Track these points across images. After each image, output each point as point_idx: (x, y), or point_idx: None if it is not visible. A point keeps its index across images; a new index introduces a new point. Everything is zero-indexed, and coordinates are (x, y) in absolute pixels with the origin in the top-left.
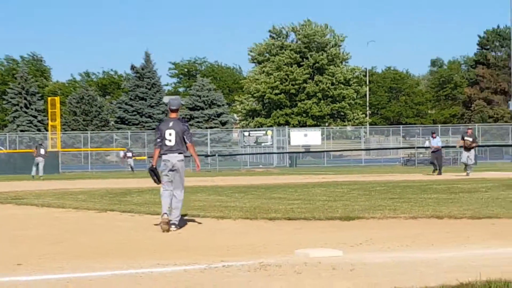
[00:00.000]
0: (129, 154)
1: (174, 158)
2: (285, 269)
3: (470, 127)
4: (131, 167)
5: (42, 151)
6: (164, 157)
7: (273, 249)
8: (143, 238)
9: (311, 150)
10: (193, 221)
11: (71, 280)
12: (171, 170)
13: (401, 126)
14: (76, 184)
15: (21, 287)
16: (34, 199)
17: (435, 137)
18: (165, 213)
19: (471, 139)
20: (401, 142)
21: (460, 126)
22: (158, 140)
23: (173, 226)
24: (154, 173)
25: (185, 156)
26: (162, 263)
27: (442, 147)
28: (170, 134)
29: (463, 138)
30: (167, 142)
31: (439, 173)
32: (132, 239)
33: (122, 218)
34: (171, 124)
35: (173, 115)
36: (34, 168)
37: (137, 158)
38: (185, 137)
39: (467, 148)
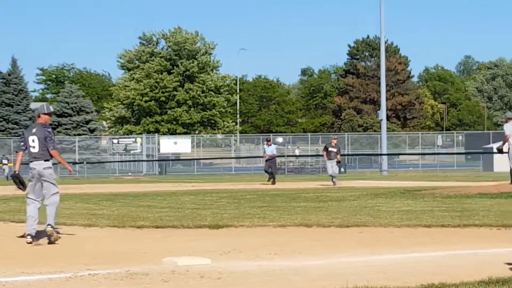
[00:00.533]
0: (5, 161)
1: (40, 166)
2: (152, 278)
3: (335, 137)
4: (6, 175)
5: None
6: (30, 165)
7: (141, 258)
8: (8, 247)
9: (181, 158)
10: (60, 229)
11: None
12: (38, 178)
13: (271, 134)
14: None
15: None
16: None
17: (270, 145)
18: (49, 225)
19: (335, 150)
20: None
21: (330, 135)
22: (22, 144)
23: (49, 227)
24: (18, 179)
25: (53, 164)
26: (26, 271)
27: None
28: (33, 141)
29: (326, 149)
30: (31, 149)
31: (273, 182)
32: None
33: None
34: (34, 130)
35: (40, 120)
36: None
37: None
38: (47, 143)
39: (331, 159)
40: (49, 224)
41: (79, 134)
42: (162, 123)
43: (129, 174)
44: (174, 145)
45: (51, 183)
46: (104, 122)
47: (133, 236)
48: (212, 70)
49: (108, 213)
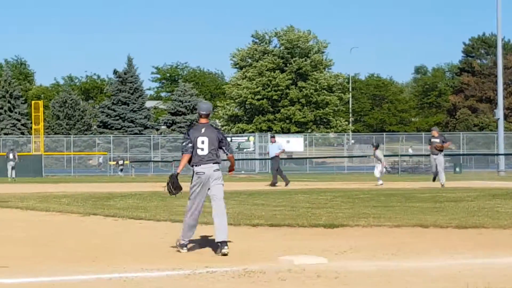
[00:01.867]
0: (121, 162)
1: (209, 170)
2: (269, 276)
3: (435, 127)
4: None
5: (11, 156)
6: (196, 169)
7: (257, 256)
8: (127, 243)
9: (293, 156)
10: (177, 226)
11: (56, 284)
12: (205, 183)
13: (384, 133)
14: (59, 188)
15: None
16: (19, 202)
17: (274, 142)
18: (184, 245)
19: (438, 140)
20: (384, 150)
21: (445, 134)
22: (190, 145)
23: (226, 248)
24: (174, 181)
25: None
26: (146, 268)
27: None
28: (202, 142)
29: (429, 142)
30: (199, 151)
31: (272, 184)
32: (116, 243)
33: (106, 222)
34: (203, 130)
35: (203, 120)
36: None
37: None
38: (223, 148)
39: (434, 153)
40: (223, 241)
41: None
42: (275, 122)
43: (242, 172)
44: (287, 143)
45: (222, 185)
46: (217, 121)
47: (248, 234)
48: (324, 68)
49: (230, 212)
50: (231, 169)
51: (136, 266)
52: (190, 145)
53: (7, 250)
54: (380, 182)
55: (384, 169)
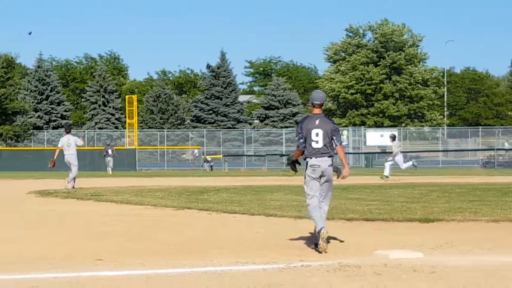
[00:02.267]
0: (209, 159)
1: (325, 163)
2: (365, 270)
3: None
4: (211, 167)
5: (110, 151)
6: (310, 161)
7: (352, 250)
8: (221, 236)
9: (387, 150)
10: (271, 220)
11: (151, 276)
12: (319, 177)
13: (480, 127)
14: (153, 182)
15: (102, 282)
16: (113, 195)
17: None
18: (323, 227)
19: None
20: (480, 144)
21: None
22: (301, 140)
23: (324, 230)
24: (294, 164)
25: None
26: (241, 261)
27: None
28: (317, 134)
29: None
30: (313, 144)
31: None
32: (210, 237)
33: (200, 215)
34: (317, 122)
35: (317, 110)
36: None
37: (213, 157)
38: (334, 138)
39: None
40: (322, 228)
41: (286, 127)
42: (368, 116)
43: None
44: (381, 137)
45: (331, 186)
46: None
47: (343, 228)
48: (419, 62)
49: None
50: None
51: (231, 259)
52: (302, 140)
53: (102, 243)
54: (387, 172)
55: (409, 163)
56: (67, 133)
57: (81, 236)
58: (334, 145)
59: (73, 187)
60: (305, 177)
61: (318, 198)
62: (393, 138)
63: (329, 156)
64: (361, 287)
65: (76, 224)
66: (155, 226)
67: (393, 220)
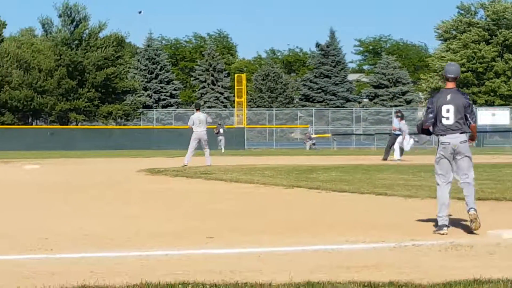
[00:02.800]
0: (312, 137)
1: (456, 140)
2: (477, 250)
3: None
4: (314, 144)
5: (221, 130)
6: (441, 139)
7: (464, 230)
8: (331, 215)
9: (498, 129)
10: (380, 199)
11: (262, 254)
12: (451, 155)
13: None
14: (261, 160)
15: (213, 260)
16: (223, 174)
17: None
18: (472, 208)
19: None
20: None
21: None
22: (430, 115)
23: (472, 210)
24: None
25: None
26: (351, 240)
27: None
28: (447, 110)
29: None
30: (443, 120)
31: (384, 158)
32: (320, 215)
33: (310, 194)
34: (448, 97)
35: (450, 85)
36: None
37: (321, 135)
38: (467, 115)
39: None
40: (471, 208)
41: (395, 106)
42: (479, 95)
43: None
44: (492, 116)
45: (469, 161)
46: (420, 93)
47: (454, 208)
48: None
49: (428, 184)
50: (472, 138)
51: (341, 238)
52: (431, 116)
53: (212, 221)
54: (398, 157)
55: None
56: (197, 110)
57: (192, 214)
58: (468, 124)
59: (209, 164)
60: (436, 155)
61: (448, 188)
62: (401, 117)
63: (462, 133)
64: (473, 267)
65: (186, 202)
66: (265, 205)
67: (506, 199)
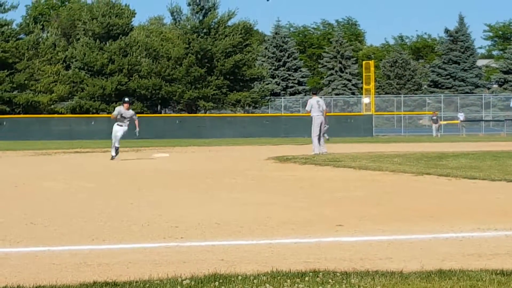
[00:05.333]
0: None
1: None
2: None
3: None
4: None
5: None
6: None
7: None
8: (461, 202)
9: None
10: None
11: (392, 242)
12: None
13: None
14: (390, 147)
15: (343, 247)
16: (351, 161)
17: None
18: None
19: None
20: None
21: None
22: None
23: None
24: None
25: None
26: (482, 227)
27: None
28: None
29: None
30: None
31: None
32: (450, 203)
33: (439, 181)
34: None
35: None
36: None
37: (450, 122)
38: None
39: None
40: None
41: None
42: None
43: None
44: None
45: None
46: None
47: None
48: None
49: None
50: None
51: (472, 225)
52: None
53: (341, 209)
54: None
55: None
56: (314, 95)
57: (321, 201)
58: None
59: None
60: None
61: None
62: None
63: None
64: None
65: (315, 190)
66: (394, 192)
67: None
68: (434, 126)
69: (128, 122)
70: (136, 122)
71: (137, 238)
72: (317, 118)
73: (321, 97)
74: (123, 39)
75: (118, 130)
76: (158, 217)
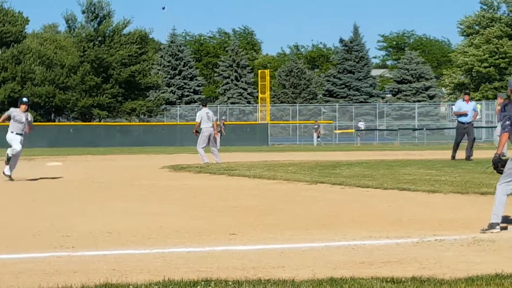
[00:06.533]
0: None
1: None
2: (500, 245)
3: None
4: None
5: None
6: None
7: (486, 224)
8: (354, 211)
9: None
10: (404, 194)
11: (285, 250)
12: None
13: None
14: (285, 156)
15: (236, 256)
16: (246, 170)
17: (468, 102)
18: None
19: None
20: None
21: None
22: (508, 122)
23: None
24: (501, 164)
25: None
26: (374, 235)
27: None
28: None
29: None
30: None
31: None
32: (343, 211)
33: (333, 190)
34: None
35: None
36: None
37: (346, 131)
38: None
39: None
40: None
41: (419, 101)
42: (502, 90)
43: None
44: None
45: None
46: (443, 89)
47: (477, 202)
48: None
49: (451, 179)
50: None
51: (364, 234)
52: (508, 123)
53: (235, 218)
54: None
55: None
56: (204, 106)
57: (214, 210)
58: None
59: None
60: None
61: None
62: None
63: None
64: (495, 262)
65: (209, 199)
66: (288, 201)
67: None
68: (315, 134)
69: (24, 128)
70: (27, 128)
71: (28, 248)
72: (206, 130)
73: (210, 109)
74: (15, 46)
75: (13, 139)
76: (49, 227)
